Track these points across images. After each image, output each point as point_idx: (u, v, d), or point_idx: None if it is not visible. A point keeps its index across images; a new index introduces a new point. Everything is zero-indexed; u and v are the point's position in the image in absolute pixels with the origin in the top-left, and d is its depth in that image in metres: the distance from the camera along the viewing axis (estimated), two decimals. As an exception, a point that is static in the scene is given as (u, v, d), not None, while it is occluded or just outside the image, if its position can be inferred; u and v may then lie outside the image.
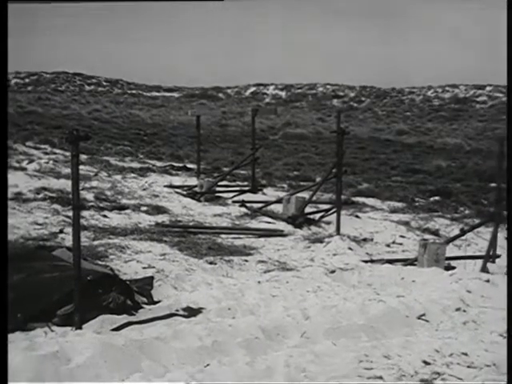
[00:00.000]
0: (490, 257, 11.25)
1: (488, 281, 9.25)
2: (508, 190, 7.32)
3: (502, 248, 11.79)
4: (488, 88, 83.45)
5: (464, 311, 8.05)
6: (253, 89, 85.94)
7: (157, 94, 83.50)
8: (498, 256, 11.56)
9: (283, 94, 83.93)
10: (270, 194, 18.77)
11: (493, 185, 17.70)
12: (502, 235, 13.43)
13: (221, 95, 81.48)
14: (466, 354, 6.49)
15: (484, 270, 10.72)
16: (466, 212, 17.76)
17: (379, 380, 5.88)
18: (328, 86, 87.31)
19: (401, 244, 13.22)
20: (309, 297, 8.55)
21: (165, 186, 18.38)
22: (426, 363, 6.23)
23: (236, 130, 43.24)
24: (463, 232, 12.27)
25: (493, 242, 11.36)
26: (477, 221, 14.32)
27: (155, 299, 8.17)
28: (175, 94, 74.93)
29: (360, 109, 75.11)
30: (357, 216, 15.54)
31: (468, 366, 6.26)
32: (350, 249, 11.85)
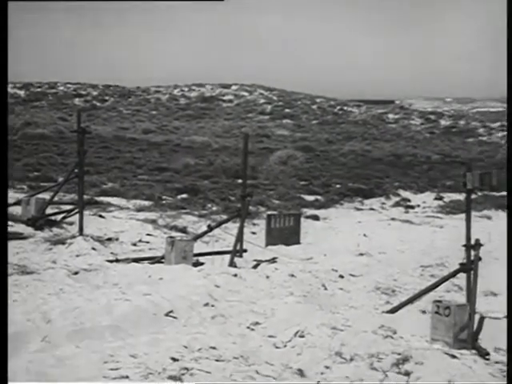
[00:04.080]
0: (237, 251, 11.37)
1: (236, 275, 9.36)
2: (508, 190, 7.40)
3: (248, 243, 11.96)
4: (234, 87, 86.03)
5: (212, 306, 8.06)
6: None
7: None
8: (245, 250, 11.70)
9: (22, 93, 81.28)
10: (9, 195, 17.83)
11: (239, 181, 17.96)
12: (248, 230, 13.69)
13: None
14: (214, 348, 6.50)
15: (232, 264, 10.82)
16: (214, 208, 17.97)
17: (125, 380, 5.72)
18: (69, 85, 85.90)
19: (147, 242, 13.11)
20: (50, 300, 8.11)
21: None
22: (174, 359, 6.15)
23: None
24: (210, 228, 12.35)
25: (240, 237, 11.47)
26: (224, 217, 14.46)
27: None
28: None
29: (104, 108, 74.59)
30: (101, 216, 15.14)
31: (216, 360, 6.26)
32: (93, 249, 11.63)
